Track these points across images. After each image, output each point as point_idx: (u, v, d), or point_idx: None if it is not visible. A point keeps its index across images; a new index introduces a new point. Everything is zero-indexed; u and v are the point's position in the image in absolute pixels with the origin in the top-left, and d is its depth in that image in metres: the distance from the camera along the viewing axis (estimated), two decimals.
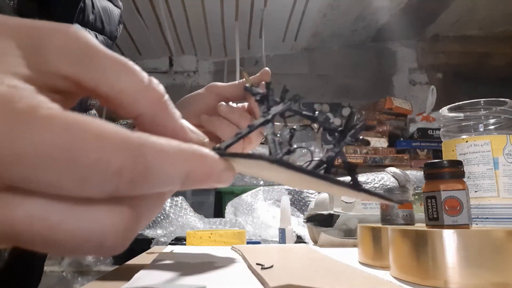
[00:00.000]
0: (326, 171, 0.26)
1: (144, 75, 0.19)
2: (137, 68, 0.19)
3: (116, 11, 0.58)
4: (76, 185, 0.14)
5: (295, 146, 0.27)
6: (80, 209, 0.15)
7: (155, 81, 0.19)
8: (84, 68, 0.17)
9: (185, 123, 0.21)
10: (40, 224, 0.14)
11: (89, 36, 0.18)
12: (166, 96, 0.20)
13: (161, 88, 0.19)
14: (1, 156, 0.14)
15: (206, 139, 0.22)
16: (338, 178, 0.22)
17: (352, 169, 0.27)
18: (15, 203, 0.14)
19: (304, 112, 0.33)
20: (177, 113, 0.20)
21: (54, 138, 0.14)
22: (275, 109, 0.27)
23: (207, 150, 0.18)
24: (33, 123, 0.14)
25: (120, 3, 0.60)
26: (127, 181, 0.15)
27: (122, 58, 0.18)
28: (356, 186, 0.22)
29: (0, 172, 0.14)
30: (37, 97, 0.15)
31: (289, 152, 0.19)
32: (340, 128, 0.30)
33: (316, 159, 0.27)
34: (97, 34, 0.53)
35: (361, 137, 0.35)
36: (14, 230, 0.14)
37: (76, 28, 0.18)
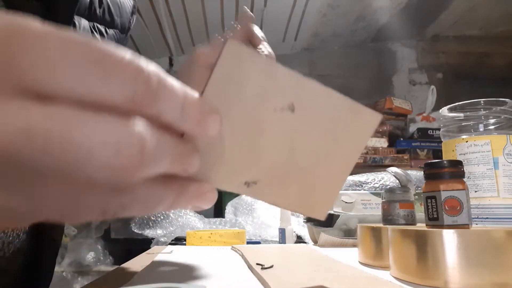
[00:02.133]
0: None
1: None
2: None
3: (128, 3, 0.59)
4: (98, 81, 0.15)
5: None
6: (99, 115, 0.16)
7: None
8: None
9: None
10: (59, 126, 0.15)
11: None
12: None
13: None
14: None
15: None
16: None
17: None
18: (34, 107, 0.15)
19: None
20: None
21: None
22: None
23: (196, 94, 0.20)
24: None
25: None
26: (142, 89, 0.16)
27: None
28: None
29: (23, 67, 0.14)
30: None
31: None
32: None
33: None
34: (106, 28, 0.54)
35: None
36: (29, 134, 0.14)
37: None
